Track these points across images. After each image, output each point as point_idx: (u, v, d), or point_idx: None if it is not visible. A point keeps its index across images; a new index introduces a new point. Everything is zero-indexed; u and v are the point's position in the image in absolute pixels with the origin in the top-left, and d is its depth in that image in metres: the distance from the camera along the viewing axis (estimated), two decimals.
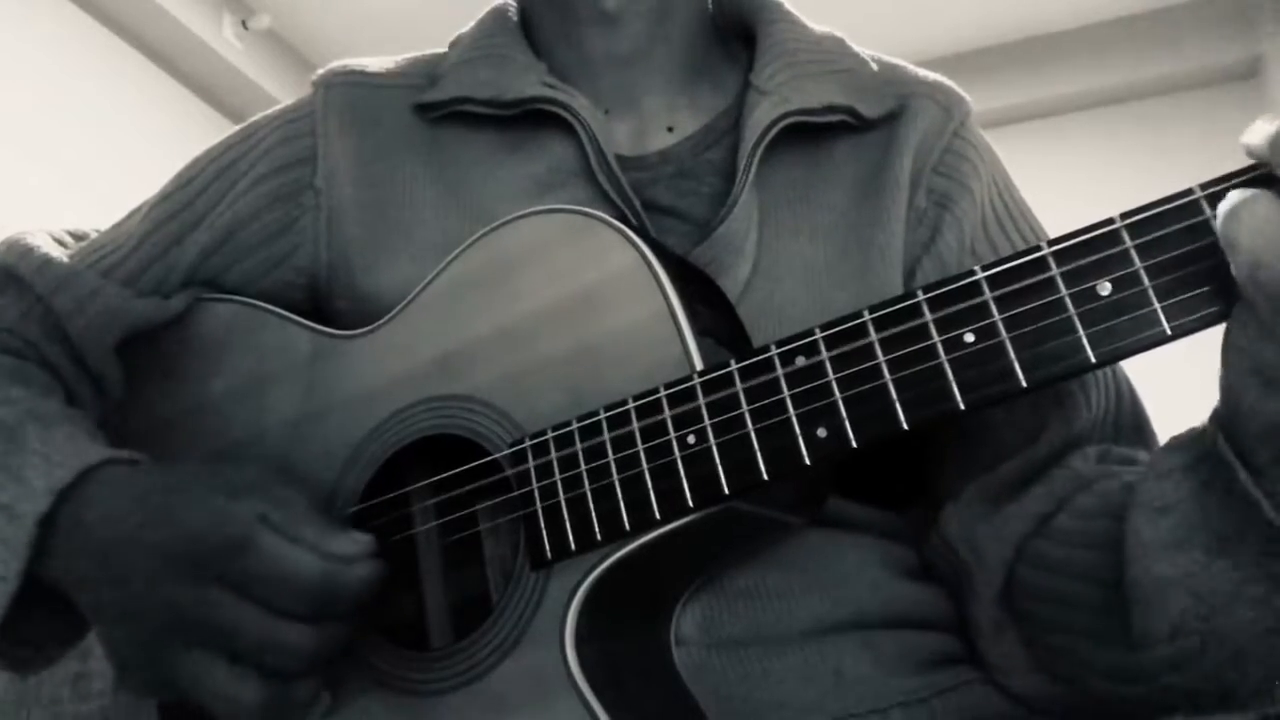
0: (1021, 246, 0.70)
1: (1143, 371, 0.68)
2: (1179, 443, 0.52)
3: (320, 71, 0.80)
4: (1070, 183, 3.47)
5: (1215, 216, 0.43)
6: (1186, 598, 0.50)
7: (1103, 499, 0.59)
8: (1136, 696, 0.56)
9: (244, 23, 3.68)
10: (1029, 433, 0.64)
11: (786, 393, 0.51)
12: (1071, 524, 0.60)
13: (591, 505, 0.54)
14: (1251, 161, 0.43)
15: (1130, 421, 0.67)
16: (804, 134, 0.70)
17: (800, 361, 0.51)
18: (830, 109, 0.70)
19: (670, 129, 0.75)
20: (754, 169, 0.67)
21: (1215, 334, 0.45)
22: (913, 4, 3.78)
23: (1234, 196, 0.42)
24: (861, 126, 0.71)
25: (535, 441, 0.57)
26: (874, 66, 0.75)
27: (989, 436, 0.65)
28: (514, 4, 0.82)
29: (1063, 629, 0.59)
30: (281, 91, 3.74)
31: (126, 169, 3.17)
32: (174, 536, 0.55)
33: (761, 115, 0.69)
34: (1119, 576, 0.54)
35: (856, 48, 0.77)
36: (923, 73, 0.76)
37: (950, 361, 0.47)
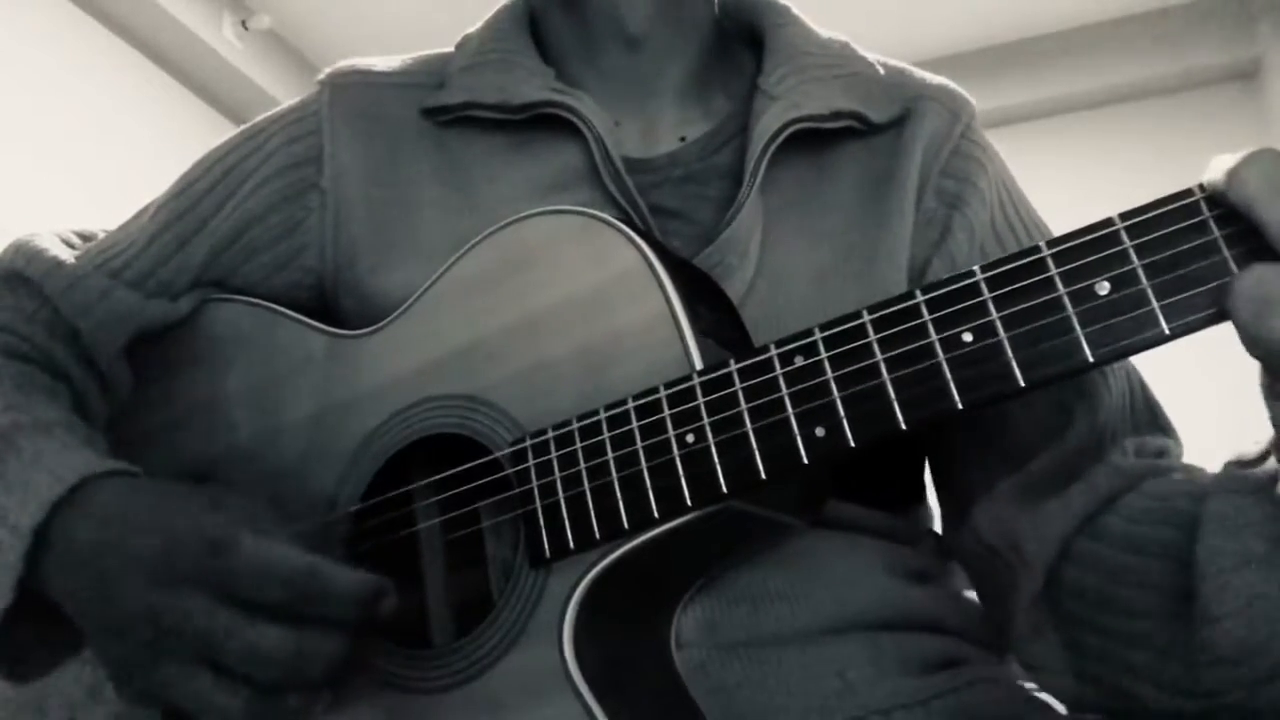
0: (1028, 244, 0.70)
1: (1146, 371, 0.68)
2: (1250, 458, 0.52)
3: (326, 70, 0.80)
4: (1070, 183, 3.46)
5: (1214, 219, 0.43)
6: (1262, 619, 0.49)
7: (1161, 504, 0.58)
8: (1191, 710, 0.55)
9: (244, 23, 3.68)
10: (1056, 425, 0.63)
11: (785, 392, 0.51)
12: (1125, 527, 0.59)
13: (590, 504, 0.54)
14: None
15: (1145, 408, 0.66)
16: (811, 139, 0.70)
17: (799, 361, 0.51)
18: (838, 115, 0.70)
19: (683, 139, 0.75)
20: (761, 173, 0.68)
21: (1219, 333, 0.45)
22: (913, 4, 3.78)
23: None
24: (868, 131, 0.71)
25: (535, 440, 0.57)
26: (880, 70, 0.75)
27: (1015, 430, 0.65)
28: (524, 6, 0.81)
29: (1113, 635, 0.59)
30: (281, 91, 3.74)
31: (127, 169, 3.17)
32: (155, 544, 0.55)
33: (770, 120, 0.69)
34: (1182, 588, 0.53)
35: (862, 51, 0.77)
36: (929, 76, 0.77)
37: (948, 361, 0.47)
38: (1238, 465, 0.53)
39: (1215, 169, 0.43)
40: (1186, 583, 0.53)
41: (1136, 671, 0.58)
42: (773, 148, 0.68)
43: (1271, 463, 0.50)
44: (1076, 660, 0.61)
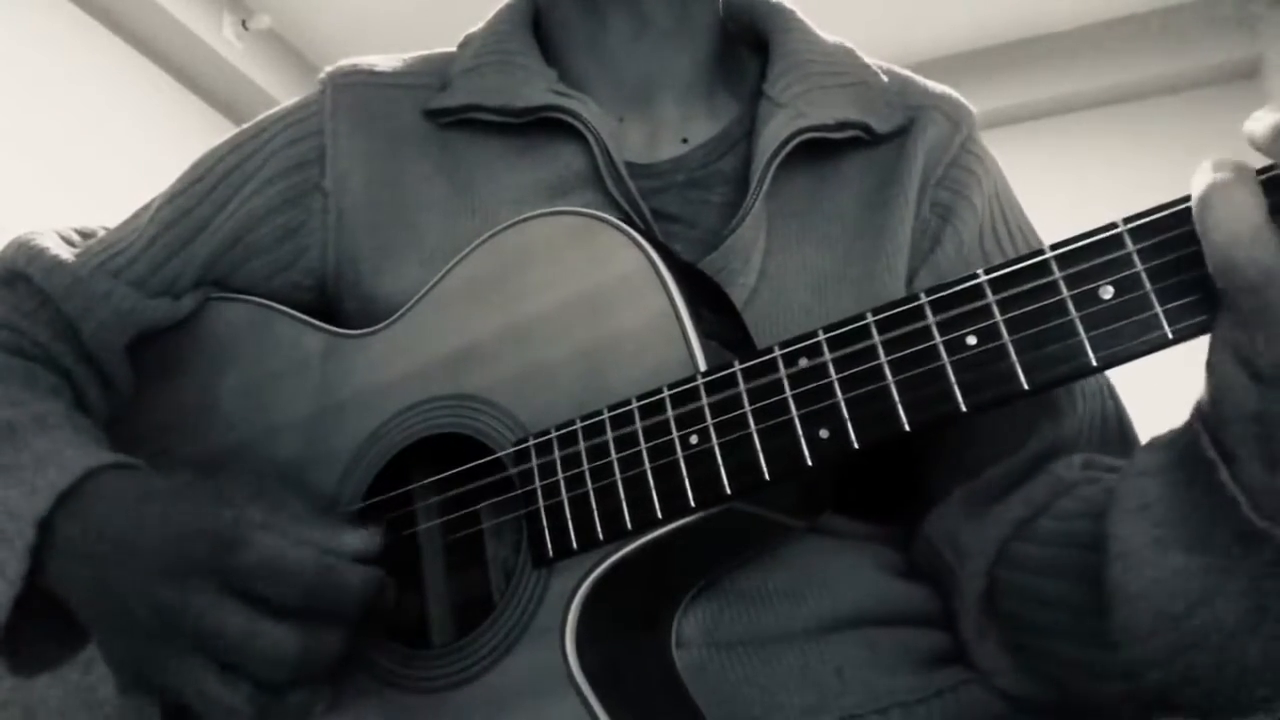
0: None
1: (1140, 374, 0.68)
2: (1159, 442, 0.52)
3: (328, 69, 0.79)
4: (1070, 183, 3.47)
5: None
6: (1165, 596, 0.50)
7: (1084, 502, 0.59)
8: (1117, 696, 0.56)
9: (244, 23, 3.68)
10: (1016, 437, 0.64)
11: (789, 393, 0.51)
12: (1052, 526, 0.60)
13: (594, 504, 0.55)
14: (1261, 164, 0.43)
15: (1115, 430, 0.67)
16: (815, 147, 0.70)
17: (803, 363, 0.51)
18: (844, 125, 0.70)
19: (685, 140, 0.75)
20: (767, 183, 0.68)
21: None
22: (912, 4, 3.78)
23: (1205, 181, 0.42)
24: (872, 140, 0.72)
25: (538, 440, 0.57)
26: (884, 79, 0.76)
27: (977, 439, 0.65)
28: (527, 4, 0.81)
29: (1042, 629, 0.59)
30: (281, 91, 3.73)
31: (126, 169, 3.16)
32: (164, 541, 0.55)
33: (777, 129, 0.69)
34: (1095, 574, 0.53)
35: (866, 58, 0.77)
36: (931, 85, 0.77)
37: (952, 363, 0.47)
38: (1153, 447, 0.53)
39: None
40: (1099, 569, 0.53)
41: (1067, 663, 0.58)
42: (779, 158, 0.68)
43: (1186, 439, 0.50)
44: (1018, 658, 0.62)
